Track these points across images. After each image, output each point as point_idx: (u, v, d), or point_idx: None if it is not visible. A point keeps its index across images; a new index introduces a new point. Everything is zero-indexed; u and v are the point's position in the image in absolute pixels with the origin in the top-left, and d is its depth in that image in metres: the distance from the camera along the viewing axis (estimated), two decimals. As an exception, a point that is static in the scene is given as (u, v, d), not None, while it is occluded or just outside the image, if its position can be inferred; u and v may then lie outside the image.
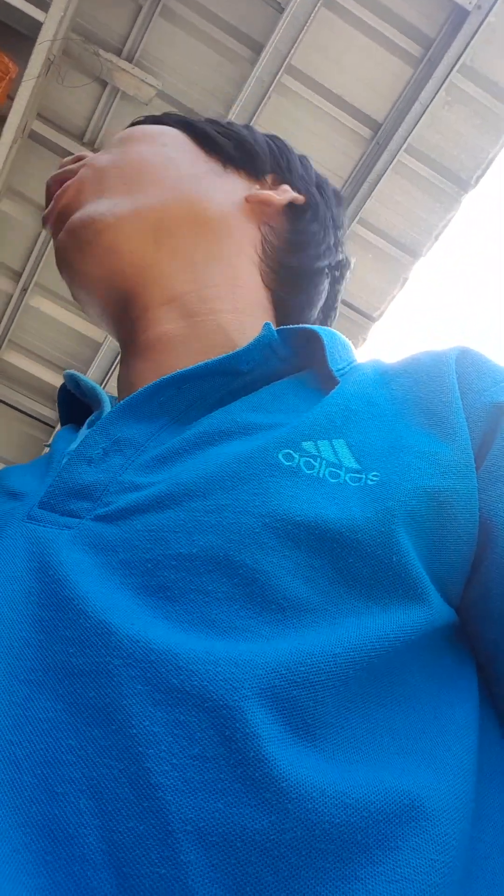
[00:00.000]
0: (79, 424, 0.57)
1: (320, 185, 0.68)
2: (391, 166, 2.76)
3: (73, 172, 0.61)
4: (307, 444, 0.41)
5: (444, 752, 0.34)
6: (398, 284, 3.07)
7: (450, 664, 0.38)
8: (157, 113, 0.72)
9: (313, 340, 0.50)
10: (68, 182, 0.60)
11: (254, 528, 0.36)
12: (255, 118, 2.68)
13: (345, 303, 3.03)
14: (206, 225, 0.58)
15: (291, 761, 0.30)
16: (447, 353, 0.47)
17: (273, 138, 0.68)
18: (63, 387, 0.60)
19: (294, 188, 0.64)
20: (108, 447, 0.44)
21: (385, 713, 0.34)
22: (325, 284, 0.67)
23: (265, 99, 2.66)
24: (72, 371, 0.58)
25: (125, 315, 0.58)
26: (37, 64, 2.43)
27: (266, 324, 0.49)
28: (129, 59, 2.66)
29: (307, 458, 0.40)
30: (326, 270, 0.66)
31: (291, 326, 0.50)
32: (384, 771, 0.32)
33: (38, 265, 3.19)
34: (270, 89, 2.64)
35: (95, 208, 0.56)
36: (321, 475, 0.39)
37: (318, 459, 0.40)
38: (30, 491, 0.44)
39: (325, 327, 0.53)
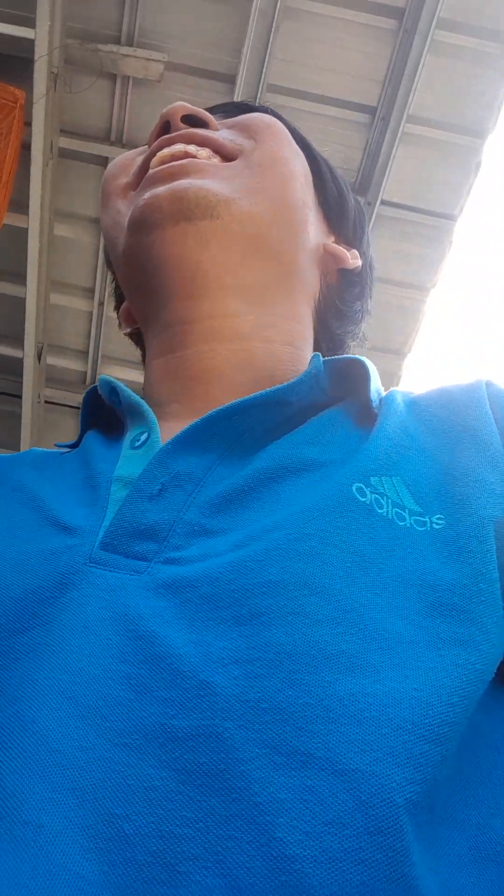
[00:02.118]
0: (104, 430, 0.54)
1: (371, 267, 0.69)
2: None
3: (203, 140, 0.57)
4: (374, 480, 0.40)
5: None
6: (471, 171, 2.86)
7: None
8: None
9: (356, 371, 0.49)
10: (196, 160, 0.54)
11: (343, 561, 0.35)
12: (267, 54, 2.54)
13: (416, 209, 2.87)
14: (293, 256, 0.58)
15: (424, 833, 0.29)
16: (477, 384, 0.47)
17: (359, 203, 0.69)
18: (92, 390, 0.56)
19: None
20: (168, 482, 0.42)
21: (473, 757, 0.33)
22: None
23: (273, 31, 2.51)
24: (108, 377, 0.54)
25: (175, 309, 0.54)
26: (41, 81, 2.40)
27: (315, 355, 0.48)
28: (130, 43, 2.59)
29: (376, 496, 0.39)
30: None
31: (337, 357, 0.50)
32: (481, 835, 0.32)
33: (105, 277, 3.19)
34: (275, 19, 2.49)
35: (217, 188, 0.53)
36: (390, 517, 0.38)
37: (385, 497, 0.39)
38: (82, 525, 0.41)
39: (364, 358, 0.52)
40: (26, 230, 2.83)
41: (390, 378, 3.39)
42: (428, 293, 3.18)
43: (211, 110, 0.64)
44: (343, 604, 0.33)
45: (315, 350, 0.60)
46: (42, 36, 2.33)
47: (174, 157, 0.55)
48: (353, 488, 0.39)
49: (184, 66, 2.63)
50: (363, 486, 0.39)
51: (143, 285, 0.56)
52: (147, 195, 0.52)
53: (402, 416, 0.46)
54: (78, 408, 2.37)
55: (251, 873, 0.27)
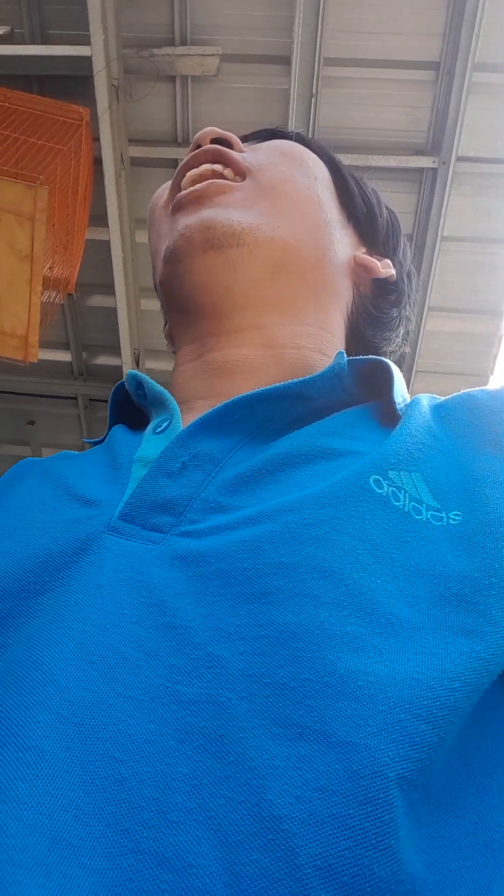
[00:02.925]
0: (130, 424, 0.57)
1: (410, 276, 0.71)
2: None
3: (230, 159, 0.61)
4: (392, 474, 0.40)
5: None
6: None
7: None
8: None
9: (380, 373, 0.51)
10: (220, 181, 0.59)
11: (354, 548, 0.36)
12: (319, 27, 2.50)
13: (493, 160, 2.75)
14: (321, 272, 0.60)
15: (414, 823, 0.29)
16: (501, 388, 0.48)
17: (392, 214, 0.71)
18: (119, 386, 0.59)
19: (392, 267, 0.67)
20: (188, 461, 0.43)
21: (478, 747, 0.33)
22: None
23: (322, 3, 2.48)
24: (135, 371, 0.57)
25: (207, 325, 0.57)
26: (103, 95, 2.47)
27: (340, 352, 0.49)
28: (183, 42, 2.62)
29: (394, 489, 0.39)
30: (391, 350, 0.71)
31: (361, 357, 0.51)
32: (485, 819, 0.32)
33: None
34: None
35: (241, 217, 0.56)
36: (406, 509, 0.39)
37: (402, 492, 0.40)
38: (103, 499, 0.43)
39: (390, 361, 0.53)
40: (108, 242, 2.92)
41: (489, 341, 3.27)
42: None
43: (245, 138, 0.69)
44: (351, 588, 0.34)
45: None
46: (98, 51, 2.39)
47: (202, 177, 0.59)
48: (371, 480, 0.39)
49: (238, 55, 2.64)
50: (381, 479, 0.40)
51: (177, 309, 0.59)
52: (180, 226, 0.56)
53: (427, 418, 0.46)
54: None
55: (240, 830, 0.27)
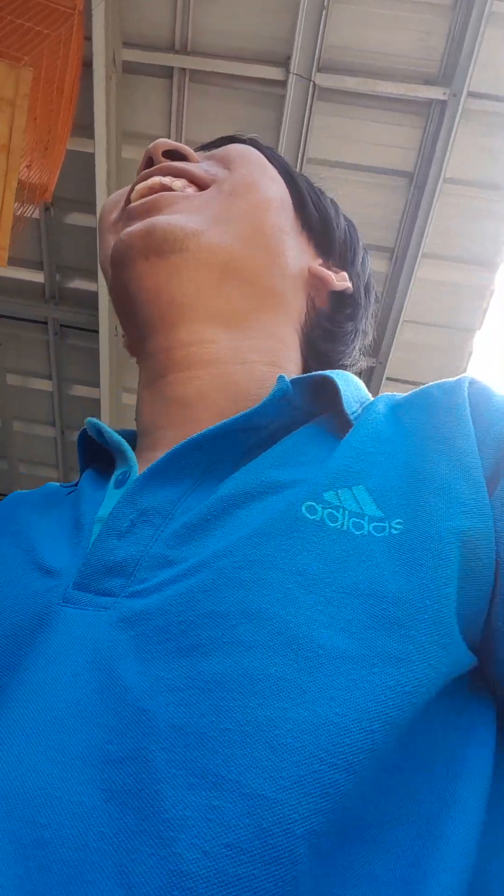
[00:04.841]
0: (101, 467, 0.57)
1: (368, 288, 0.71)
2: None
3: (178, 171, 0.60)
4: (328, 495, 0.40)
5: (451, 813, 0.33)
6: None
7: (468, 710, 0.37)
8: None
9: (328, 386, 0.50)
10: (169, 193, 0.58)
11: (284, 584, 0.36)
12: (321, 26, 2.33)
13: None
14: (271, 280, 0.59)
15: (324, 867, 0.29)
16: (459, 384, 0.47)
17: (350, 225, 0.71)
18: (84, 432, 0.60)
19: (349, 279, 0.67)
20: (136, 518, 0.43)
21: (402, 777, 0.33)
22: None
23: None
24: (94, 420, 0.58)
25: (157, 338, 0.57)
26: (100, -16, 2.27)
27: (280, 377, 0.49)
28: None
29: (330, 510, 0.39)
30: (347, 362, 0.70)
31: (305, 376, 0.51)
32: (392, 862, 0.31)
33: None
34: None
35: (184, 222, 0.55)
36: (345, 527, 0.39)
37: (341, 510, 0.39)
38: (63, 566, 0.43)
39: (339, 371, 0.53)
40: (91, 154, 2.73)
41: (480, 294, 3.17)
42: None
43: (203, 147, 0.69)
44: (277, 626, 0.34)
45: (304, 369, 0.64)
46: None
47: (151, 190, 0.59)
48: (303, 508, 0.39)
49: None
50: (314, 504, 0.40)
51: (128, 318, 0.59)
52: (123, 234, 0.56)
53: (379, 423, 0.46)
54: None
55: (148, 885, 0.28)
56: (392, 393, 0.53)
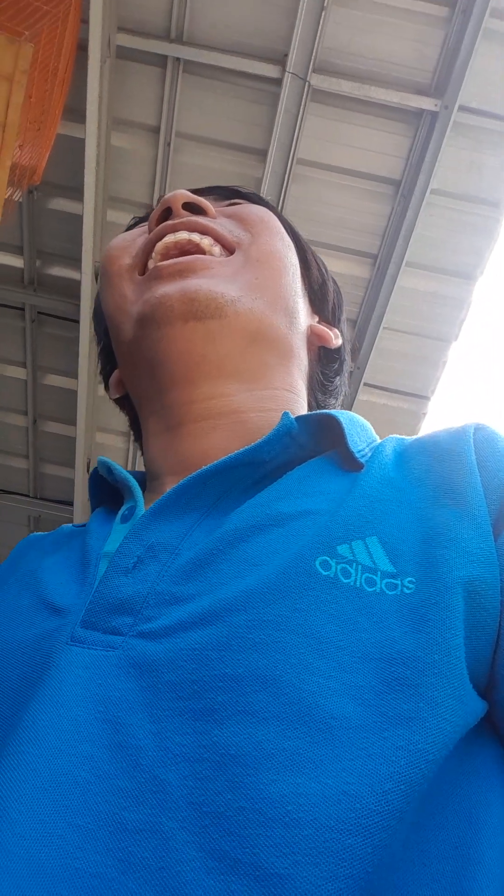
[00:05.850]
0: (110, 506, 0.57)
1: (345, 347, 0.73)
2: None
3: (205, 229, 0.61)
4: (342, 549, 0.40)
5: (473, 873, 0.33)
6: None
7: (484, 760, 0.37)
8: None
9: (332, 425, 0.51)
10: (205, 257, 0.58)
11: (298, 648, 0.36)
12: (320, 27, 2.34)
13: (497, 115, 2.65)
14: (289, 340, 0.62)
15: None
16: (465, 430, 0.48)
17: (336, 284, 0.74)
18: (95, 471, 0.60)
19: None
20: (143, 554, 0.44)
21: (422, 835, 0.33)
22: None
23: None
24: (105, 458, 0.58)
25: (176, 393, 0.57)
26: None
27: (284, 413, 0.50)
28: None
29: (343, 566, 0.39)
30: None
31: (310, 414, 0.51)
32: None
33: (164, 188, 3.06)
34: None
35: (224, 289, 0.56)
36: (358, 584, 0.39)
37: (354, 565, 0.39)
38: (71, 604, 0.43)
39: (345, 411, 0.54)
40: (80, 139, 2.70)
41: (459, 305, 3.20)
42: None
43: (201, 192, 0.69)
44: (291, 696, 0.34)
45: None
46: None
47: (178, 246, 0.59)
48: (317, 563, 0.39)
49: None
50: (328, 559, 0.39)
51: (148, 374, 0.59)
52: (159, 293, 0.56)
53: (389, 468, 0.47)
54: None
55: None
56: (399, 436, 0.54)
